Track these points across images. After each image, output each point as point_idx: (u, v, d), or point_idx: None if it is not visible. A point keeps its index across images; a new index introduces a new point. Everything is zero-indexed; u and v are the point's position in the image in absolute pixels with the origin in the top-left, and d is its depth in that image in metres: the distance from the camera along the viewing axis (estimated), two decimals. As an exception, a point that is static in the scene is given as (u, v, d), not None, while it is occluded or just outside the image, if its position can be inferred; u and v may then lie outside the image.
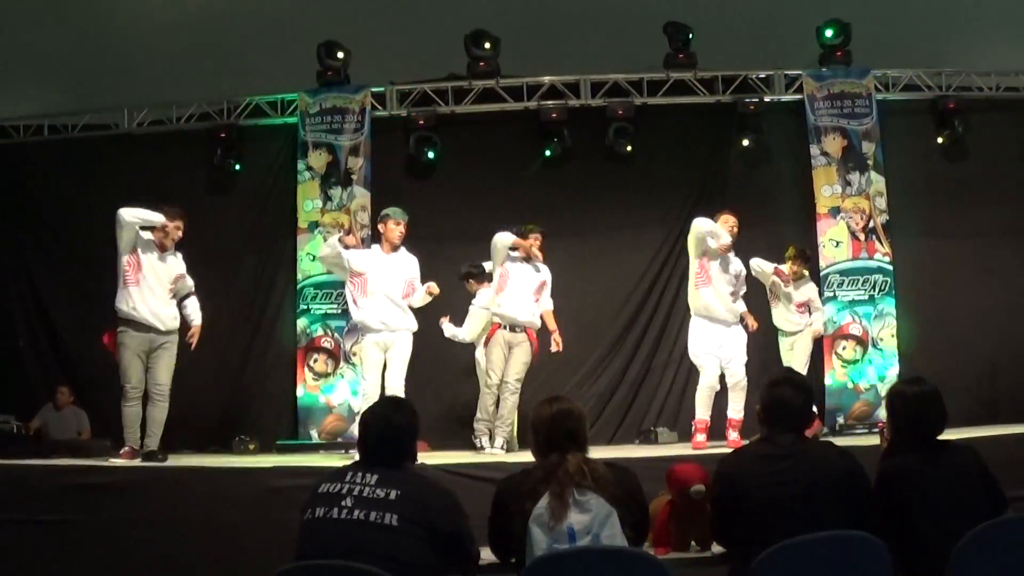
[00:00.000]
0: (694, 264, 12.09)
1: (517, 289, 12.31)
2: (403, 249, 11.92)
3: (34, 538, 9.45)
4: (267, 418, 14.87)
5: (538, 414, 5.75)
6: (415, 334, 11.70)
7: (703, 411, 11.95)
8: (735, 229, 12.09)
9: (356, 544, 5.04)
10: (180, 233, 11.59)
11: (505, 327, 12.19)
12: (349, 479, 5.33)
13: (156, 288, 11.41)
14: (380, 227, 12.05)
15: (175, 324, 11.52)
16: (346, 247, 11.80)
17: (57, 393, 14.96)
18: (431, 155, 15.54)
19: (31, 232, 15.95)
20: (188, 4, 15.50)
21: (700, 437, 11.80)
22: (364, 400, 11.35)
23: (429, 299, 11.84)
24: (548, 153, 15.52)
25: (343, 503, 5.21)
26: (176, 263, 11.69)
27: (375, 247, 12.07)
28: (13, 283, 15.85)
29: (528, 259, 12.39)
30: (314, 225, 15.12)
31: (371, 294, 11.60)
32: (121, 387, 11.30)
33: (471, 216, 14.72)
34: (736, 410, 11.87)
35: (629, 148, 15.45)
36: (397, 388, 11.38)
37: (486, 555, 5.69)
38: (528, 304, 12.34)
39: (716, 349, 11.96)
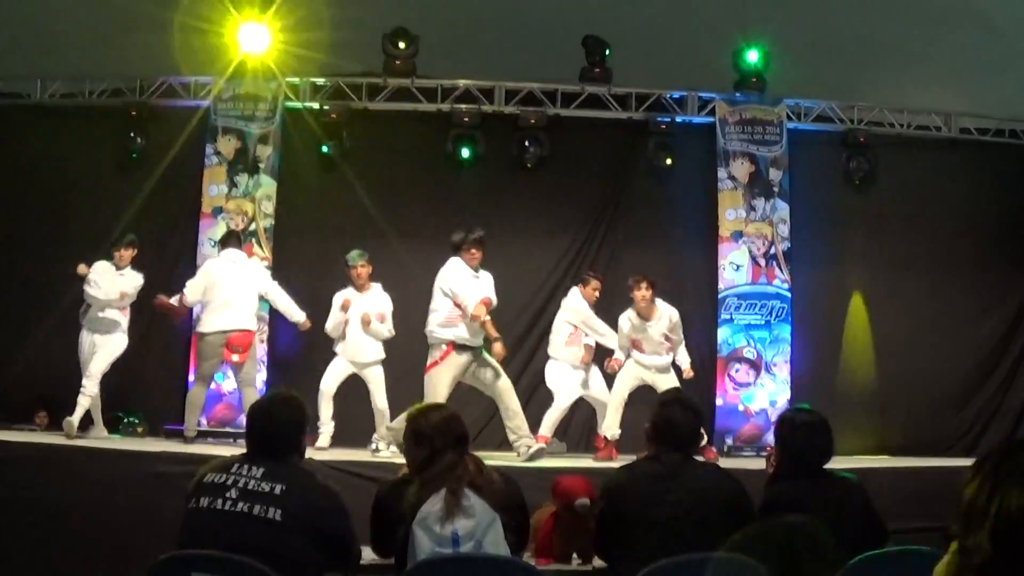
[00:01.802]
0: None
1: None
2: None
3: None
4: (156, 402, 14.73)
5: (426, 419, 5.77)
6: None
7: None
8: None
9: (238, 536, 5.02)
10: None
11: None
12: (235, 470, 5.30)
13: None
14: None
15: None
16: None
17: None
18: (339, 149, 15.47)
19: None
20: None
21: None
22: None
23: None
24: (466, 154, 15.49)
25: (228, 494, 5.19)
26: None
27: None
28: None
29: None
30: (218, 210, 15.00)
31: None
32: None
33: (376, 213, 14.70)
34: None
35: (539, 157, 15.47)
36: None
37: (368, 554, 5.69)
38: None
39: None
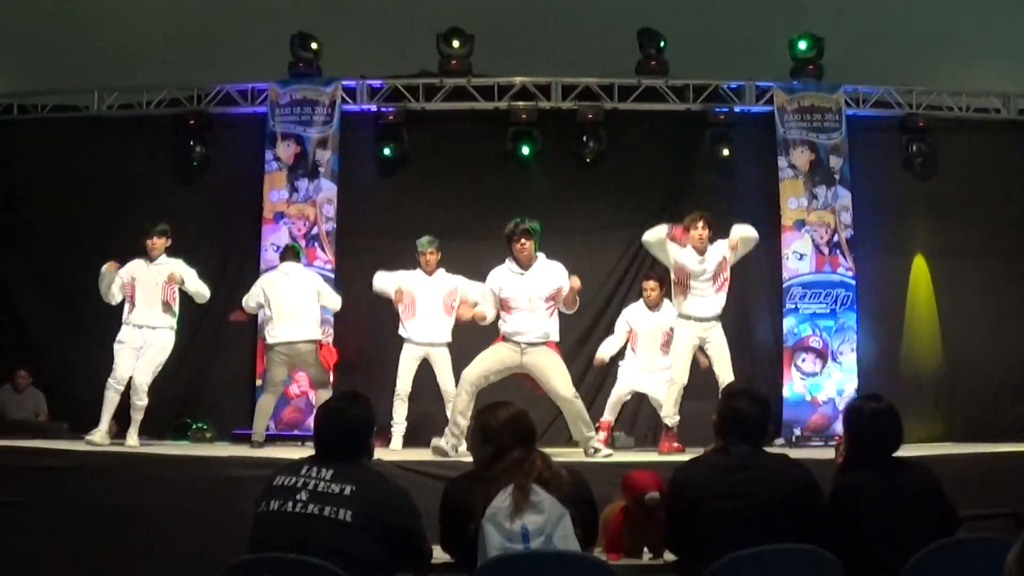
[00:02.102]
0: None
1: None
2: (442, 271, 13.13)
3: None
4: (224, 407, 14.79)
5: (493, 416, 5.79)
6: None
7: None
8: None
9: (309, 538, 5.03)
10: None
11: None
12: (304, 472, 5.32)
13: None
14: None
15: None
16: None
17: (16, 375, 14.92)
18: (398, 151, 15.54)
19: (-4, 211, 15.86)
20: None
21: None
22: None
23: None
24: (525, 151, 15.50)
25: (298, 496, 5.20)
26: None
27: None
28: (-24, 263, 15.74)
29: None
30: (279, 216, 15.06)
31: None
32: None
33: (436, 213, 14.70)
34: None
35: (598, 152, 15.46)
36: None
37: (439, 554, 5.69)
38: None
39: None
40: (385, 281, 13.20)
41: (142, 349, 12.13)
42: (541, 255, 11.60)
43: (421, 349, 13.04)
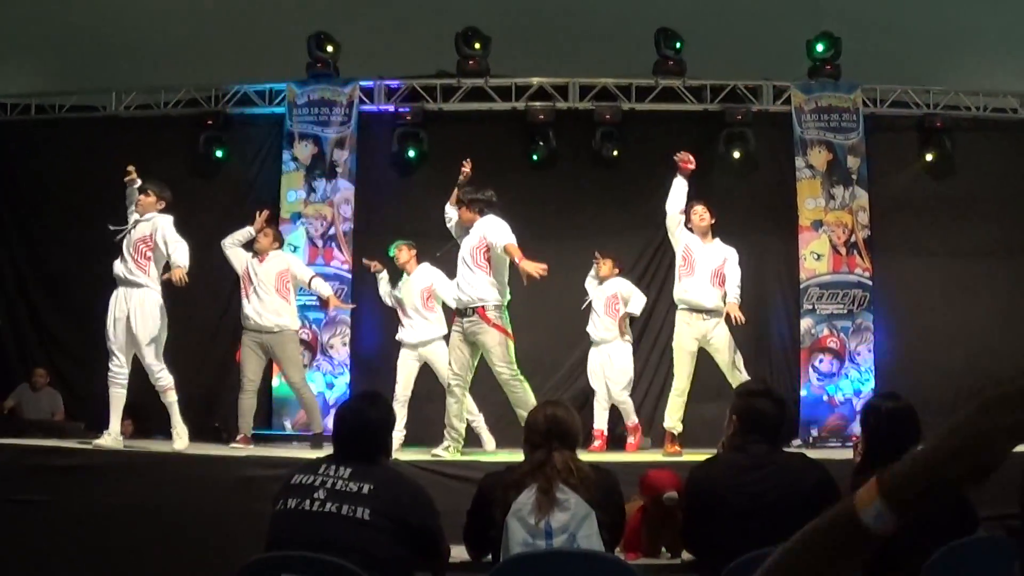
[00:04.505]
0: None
1: None
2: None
3: (4, 518, 9.44)
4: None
5: (534, 416, 5.85)
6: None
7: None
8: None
9: (327, 537, 5.05)
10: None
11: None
12: (322, 471, 5.34)
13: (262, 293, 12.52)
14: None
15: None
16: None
17: (34, 374, 14.97)
18: (416, 152, 15.58)
19: (14, 212, 15.97)
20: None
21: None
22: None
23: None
24: (535, 158, 15.55)
25: (316, 495, 5.22)
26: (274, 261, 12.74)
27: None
28: (-7, 263, 15.81)
29: None
30: (297, 216, 15.11)
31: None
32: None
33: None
34: None
35: (615, 152, 15.47)
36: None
37: (457, 553, 5.71)
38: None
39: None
40: (386, 297, 13.62)
41: (130, 319, 11.07)
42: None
43: (414, 352, 13.14)
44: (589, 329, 13.87)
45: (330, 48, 15.56)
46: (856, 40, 15.28)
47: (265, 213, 13.00)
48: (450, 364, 11.37)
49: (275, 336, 12.49)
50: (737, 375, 11.78)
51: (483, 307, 11.00)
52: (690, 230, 12.22)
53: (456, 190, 11.84)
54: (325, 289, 13.01)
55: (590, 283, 14.08)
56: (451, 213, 11.88)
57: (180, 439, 11.24)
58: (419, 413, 13.24)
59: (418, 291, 13.11)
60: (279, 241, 13.08)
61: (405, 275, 13.29)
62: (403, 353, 13.16)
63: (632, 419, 13.62)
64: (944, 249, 15.33)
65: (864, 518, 2.00)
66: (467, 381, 11.39)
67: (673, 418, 12.09)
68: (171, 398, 11.23)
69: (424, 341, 13.03)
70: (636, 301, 13.74)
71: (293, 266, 12.87)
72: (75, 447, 10.72)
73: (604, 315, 13.68)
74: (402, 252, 13.32)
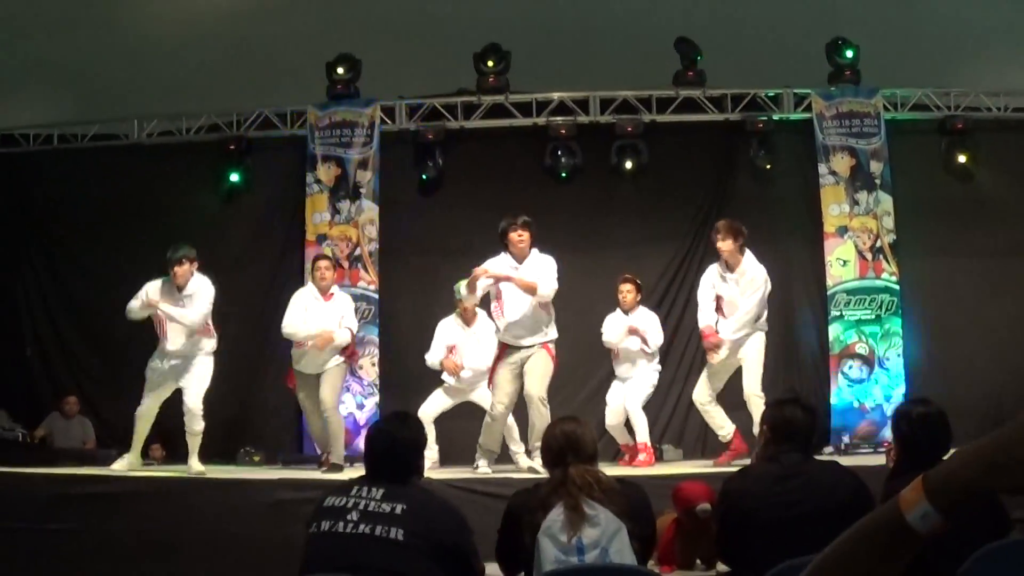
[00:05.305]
0: None
1: None
2: None
3: (36, 547, 9.48)
4: (272, 430, 14.83)
5: (548, 434, 5.86)
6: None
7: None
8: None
9: (361, 558, 5.05)
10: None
11: None
12: (355, 493, 5.34)
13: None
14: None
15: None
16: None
17: (64, 402, 14.97)
18: (438, 170, 15.56)
19: (40, 241, 16.01)
20: (200, 16, 15.48)
21: None
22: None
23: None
24: (564, 175, 15.58)
25: (349, 517, 5.22)
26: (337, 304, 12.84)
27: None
28: (21, 291, 15.89)
29: None
30: (322, 238, 15.11)
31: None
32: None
33: (478, 231, 14.68)
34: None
35: (637, 165, 15.46)
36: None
37: (491, 571, 5.70)
38: None
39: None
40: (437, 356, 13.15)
41: (178, 377, 11.63)
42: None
43: (459, 397, 13.08)
44: (614, 363, 13.67)
45: (350, 69, 15.56)
46: (875, 44, 15.26)
47: None
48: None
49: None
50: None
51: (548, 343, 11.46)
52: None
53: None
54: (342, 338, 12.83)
55: (611, 324, 13.57)
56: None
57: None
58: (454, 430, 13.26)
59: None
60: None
61: (462, 324, 13.08)
62: (444, 394, 13.09)
63: (643, 437, 13.07)
64: (971, 251, 15.26)
65: (910, 519, 1.99)
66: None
67: (718, 425, 12.16)
68: (196, 442, 11.64)
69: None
70: (652, 337, 13.37)
71: (347, 313, 12.81)
72: (105, 474, 10.77)
73: (624, 359, 13.39)
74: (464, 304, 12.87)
